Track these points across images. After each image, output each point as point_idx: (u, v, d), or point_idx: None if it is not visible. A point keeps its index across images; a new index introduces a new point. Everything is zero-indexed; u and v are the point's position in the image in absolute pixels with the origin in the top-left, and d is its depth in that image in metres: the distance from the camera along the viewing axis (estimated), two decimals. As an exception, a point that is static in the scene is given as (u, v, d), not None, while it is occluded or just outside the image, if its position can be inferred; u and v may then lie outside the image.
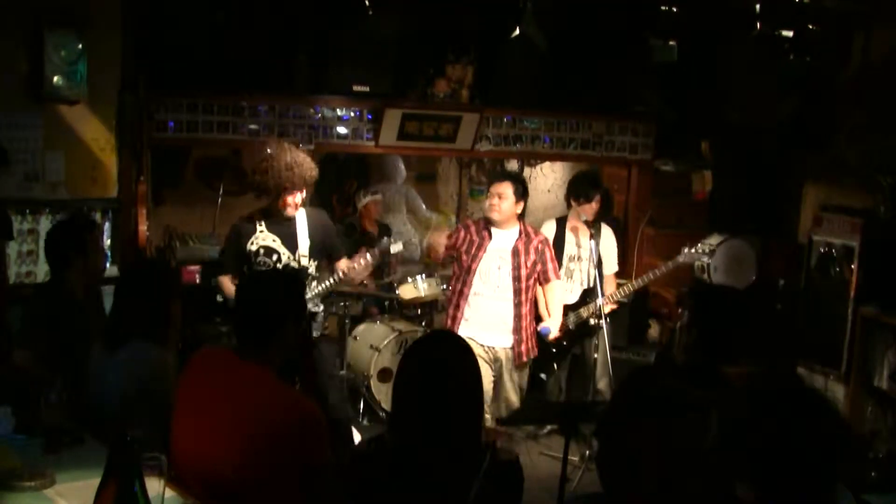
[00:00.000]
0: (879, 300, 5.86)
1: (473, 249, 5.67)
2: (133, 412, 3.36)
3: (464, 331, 5.58)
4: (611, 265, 6.39)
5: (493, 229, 5.70)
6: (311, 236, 5.15)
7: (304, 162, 5.04)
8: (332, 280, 5.25)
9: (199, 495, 2.91)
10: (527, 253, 5.66)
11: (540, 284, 5.82)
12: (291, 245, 5.11)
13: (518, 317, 5.67)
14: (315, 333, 5.25)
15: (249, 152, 7.04)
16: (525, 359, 5.76)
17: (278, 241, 5.09)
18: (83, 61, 5.16)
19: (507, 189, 5.62)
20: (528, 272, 5.66)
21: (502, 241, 5.68)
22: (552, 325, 5.79)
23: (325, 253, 5.27)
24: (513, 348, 5.70)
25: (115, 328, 3.64)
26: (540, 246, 5.75)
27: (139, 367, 3.49)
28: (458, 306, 5.74)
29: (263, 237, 5.08)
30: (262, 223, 5.10)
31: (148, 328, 3.59)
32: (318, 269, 5.26)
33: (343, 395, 6.38)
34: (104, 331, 3.75)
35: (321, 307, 5.33)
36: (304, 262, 5.14)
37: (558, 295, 5.87)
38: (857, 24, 6.35)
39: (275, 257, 5.06)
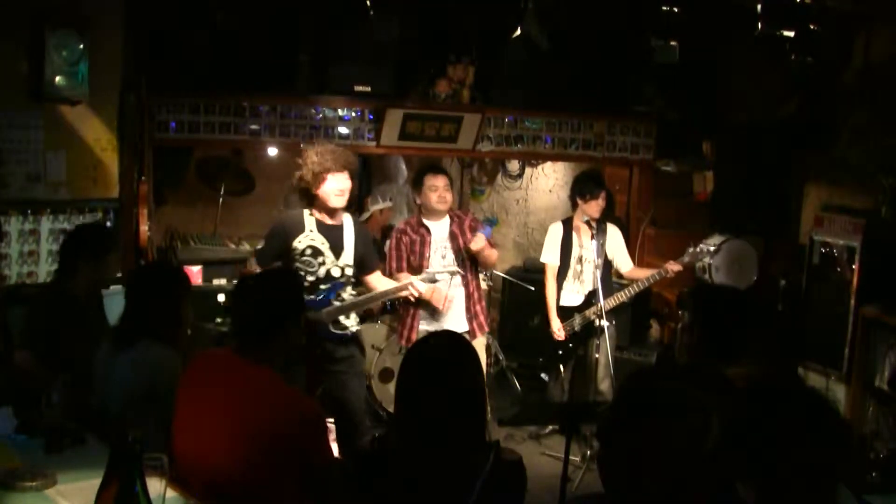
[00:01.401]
0: (881, 300, 5.85)
1: (418, 248, 5.76)
2: (141, 411, 3.37)
3: (424, 326, 5.71)
4: (626, 262, 6.38)
5: (428, 224, 5.80)
6: (355, 245, 5.17)
7: (338, 149, 5.11)
8: (367, 296, 5.27)
9: (200, 495, 2.91)
10: (462, 233, 5.79)
11: None
12: (337, 250, 5.11)
13: (468, 296, 5.82)
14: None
15: (251, 153, 7.07)
16: (480, 333, 5.87)
17: (326, 244, 5.08)
18: (84, 61, 5.14)
19: (446, 180, 5.79)
20: (466, 249, 5.78)
21: (439, 231, 5.81)
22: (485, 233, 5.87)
23: (361, 263, 5.25)
24: (470, 331, 5.77)
25: (126, 327, 3.64)
26: (472, 223, 5.90)
27: (149, 366, 3.50)
28: (415, 304, 5.78)
29: (312, 237, 5.08)
30: (313, 223, 5.09)
31: (158, 328, 3.60)
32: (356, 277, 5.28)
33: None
34: (114, 330, 3.75)
35: (353, 321, 5.24)
36: (349, 270, 5.15)
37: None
38: (859, 24, 6.34)
39: (319, 259, 5.06)
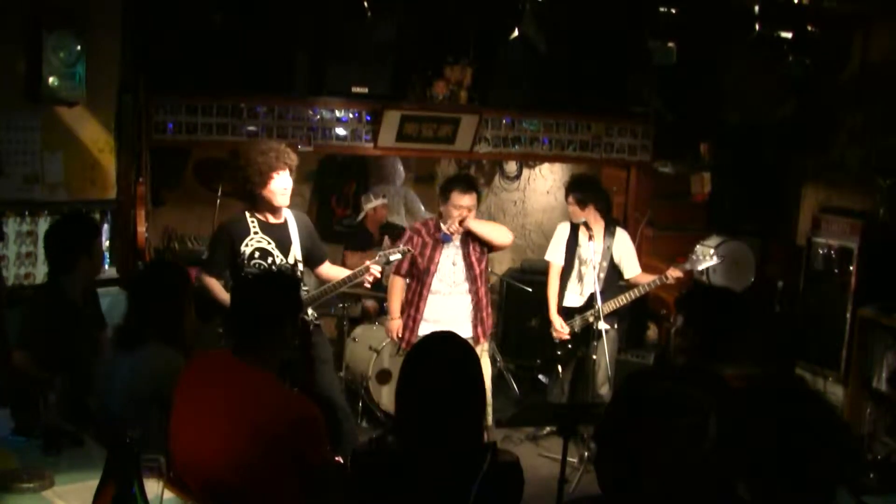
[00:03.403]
0: (878, 302, 5.87)
1: (428, 251, 5.74)
2: (144, 413, 3.37)
3: (425, 330, 5.64)
4: (633, 267, 6.28)
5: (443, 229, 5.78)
6: (301, 239, 5.15)
7: (278, 146, 5.05)
8: (326, 287, 5.25)
9: (197, 496, 2.91)
10: (473, 240, 5.77)
11: None
12: (284, 248, 5.09)
13: (476, 303, 5.83)
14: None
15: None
16: (484, 339, 5.88)
17: (273, 243, 5.06)
18: (82, 62, 5.14)
19: (474, 199, 5.70)
20: (478, 257, 5.79)
21: (454, 239, 5.77)
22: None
23: (308, 256, 5.22)
24: (474, 337, 5.77)
25: (131, 329, 3.64)
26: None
27: (153, 369, 3.49)
28: (417, 308, 5.79)
29: (258, 239, 5.05)
30: (256, 225, 5.06)
31: (164, 330, 3.59)
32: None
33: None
34: (116, 331, 3.74)
35: (312, 315, 5.24)
36: (300, 266, 5.13)
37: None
38: (856, 25, 6.36)
39: (269, 259, 5.04)
